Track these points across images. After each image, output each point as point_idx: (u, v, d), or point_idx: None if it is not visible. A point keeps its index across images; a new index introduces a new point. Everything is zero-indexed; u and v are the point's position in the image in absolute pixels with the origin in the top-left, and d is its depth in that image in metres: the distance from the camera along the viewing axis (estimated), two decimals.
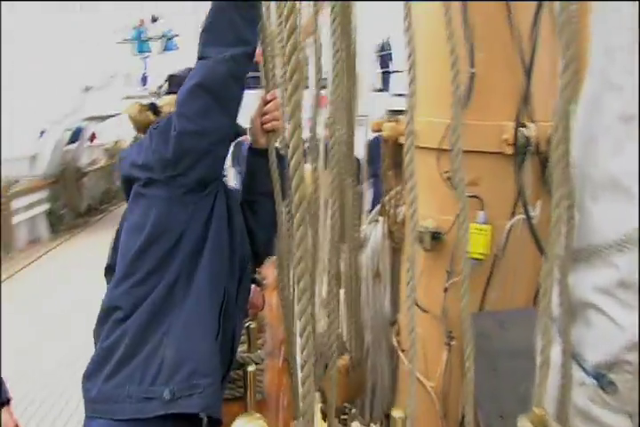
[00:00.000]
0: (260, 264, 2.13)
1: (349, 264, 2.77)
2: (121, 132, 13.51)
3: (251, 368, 2.02)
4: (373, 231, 3.02)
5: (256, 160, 1.89)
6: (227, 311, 1.71)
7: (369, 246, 3.01)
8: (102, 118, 12.66)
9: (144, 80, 15.05)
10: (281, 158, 1.83)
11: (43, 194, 11.58)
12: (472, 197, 2.20)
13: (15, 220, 10.43)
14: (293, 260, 1.05)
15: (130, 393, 1.57)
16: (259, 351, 2.02)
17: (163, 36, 15.20)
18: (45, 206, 11.63)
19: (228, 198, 1.81)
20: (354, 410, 2.96)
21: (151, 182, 1.71)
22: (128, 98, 9.91)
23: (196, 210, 1.68)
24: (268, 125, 1.85)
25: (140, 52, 14.13)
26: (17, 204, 10.55)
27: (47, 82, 10.44)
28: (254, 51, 1.70)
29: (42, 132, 11.48)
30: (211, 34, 1.66)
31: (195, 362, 1.59)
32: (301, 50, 1.11)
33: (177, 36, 15.11)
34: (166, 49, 15.10)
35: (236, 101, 1.68)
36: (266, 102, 1.86)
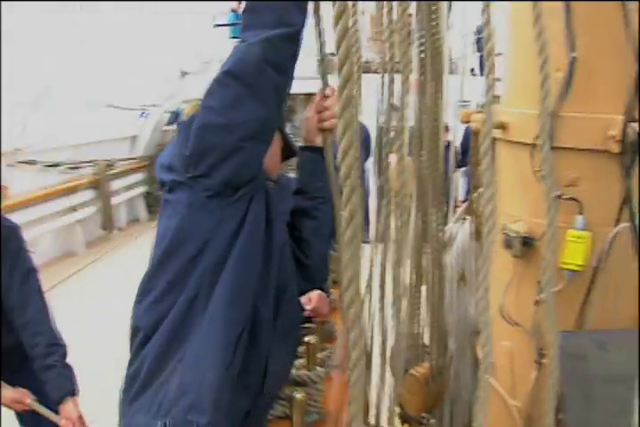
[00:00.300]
0: (312, 284, 1.83)
1: (432, 265, 2.59)
2: None
3: (299, 395, 1.82)
4: (460, 230, 2.79)
5: (310, 160, 1.71)
6: (254, 336, 1.50)
7: (454, 246, 2.79)
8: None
9: None
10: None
11: (140, 176, 11.93)
12: (569, 199, 1.94)
13: (115, 200, 10.78)
14: (342, 263, 0.89)
15: (137, 423, 1.45)
16: (318, 368, 1.82)
17: None
18: (143, 188, 11.98)
19: (269, 205, 1.56)
20: (432, 420, 2.79)
21: (175, 186, 1.50)
22: None
23: (224, 217, 1.46)
24: (326, 124, 1.65)
25: (234, 37, 14.09)
26: (116, 184, 10.90)
27: (148, 66, 10.66)
28: (298, 33, 1.44)
29: (142, 114, 11.81)
30: (250, 15, 1.43)
31: (194, 395, 1.39)
32: (353, 36, 0.92)
33: None
34: None
35: (275, 89, 1.41)
36: (324, 97, 1.66)
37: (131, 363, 1.52)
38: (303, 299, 2.18)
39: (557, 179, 1.86)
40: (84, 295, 7.26)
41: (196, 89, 11.56)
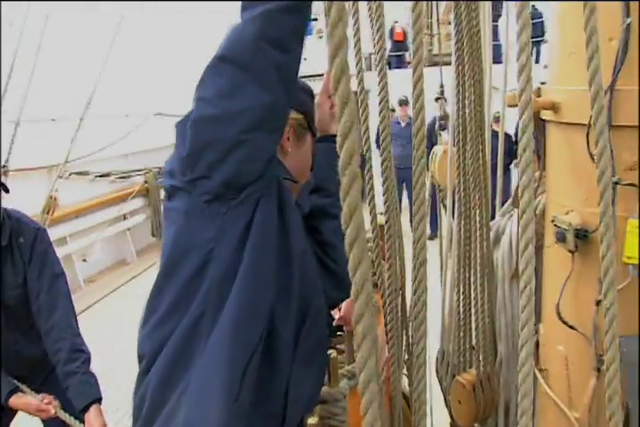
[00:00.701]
0: (344, 293, 1.57)
1: (480, 262, 2.39)
2: None
3: (312, 421, 1.61)
4: (508, 224, 2.58)
5: (325, 152, 1.51)
6: (271, 360, 1.30)
7: (504, 242, 2.58)
8: None
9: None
10: None
11: None
12: (629, 184, 1.73)
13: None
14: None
15: None
16: (341, 384, 1.62)
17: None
18: None
19: (283, 207, 1.34)
20: None
21: (174, 192, 1.31)
22: None
23: (226, 224, 1.24)
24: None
25: None
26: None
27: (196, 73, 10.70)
28: (302, 4, 1.18)
29: None
30: None
31: None
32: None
33: (315, 20, 14.56)
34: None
35: (277, 69, 1.17)
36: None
37: (135, 391, 1.36)
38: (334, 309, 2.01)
39: (615, 162, 1.65)
40: (138, 302, 7.27)
41: None
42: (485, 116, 2.30)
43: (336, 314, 1.95)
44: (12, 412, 2.76)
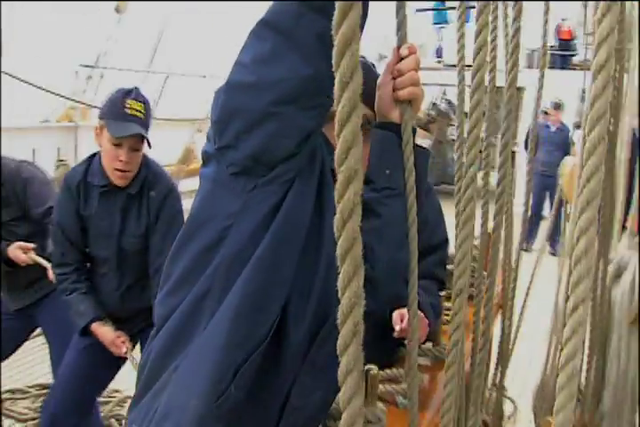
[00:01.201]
0: (379, 304, 1.35)
1: (597, 301, 2.13)
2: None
3: None
4: (633, 257, 2.24)
5: (380, 140, 1.31)
6: (275, 360, 1.17)
7: (625, 280, 2.25)
8: None
9: (438, 52, 14.47)
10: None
11: None
12: None
13: None
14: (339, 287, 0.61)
15: None
16: (380, 405, 1.42)
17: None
18: None
19: (322, 197, 1.19)
20: None
21: (207, 158, 1.22)
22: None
23: (250, 201, 1.14)
24: (403, 92, 1.25)
25: (437, 22, 13.46)
26: None
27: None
28: None
29: None
30: None
31: (174, 424, 1.12)
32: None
33: (473, 7, 14.07)
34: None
35: (318, 38, 1.05)
36: (400, 59, 1.26)
37: (142, 354, 1.29)
38: (395, 317, 1.82)
39: None
40: None
41: None
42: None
43: (396, 325, 1.75)
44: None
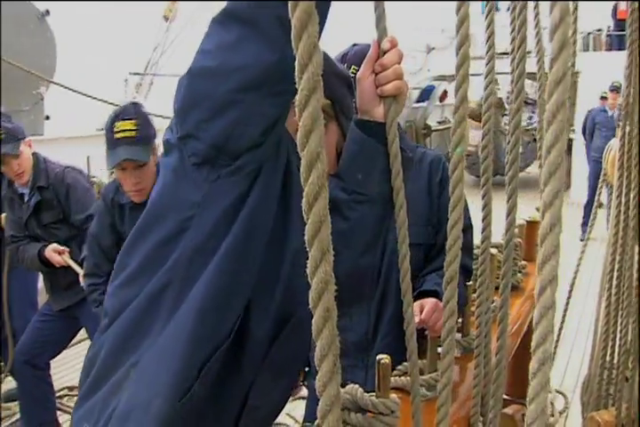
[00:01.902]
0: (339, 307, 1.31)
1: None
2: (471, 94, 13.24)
3: None
4: None
5: (356, 139, 1.25)
6: (236, 359, 1.13)
7: None
8: (453, 78, 12.49)
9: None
10: (401, 138, 1.20)
11: None
12: None
13: None
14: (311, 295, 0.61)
15: None
16: (392, 396, 1.35)
17: None
18: None
19: (290, 190, 1.14)
20: None
21: (168, 147, 1.17)
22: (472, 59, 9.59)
23: (213, 192, 1.09)
24: (388, 87, 1.20)
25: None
26: None
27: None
28: None
29: None
30: None
31: (136, 424, 1.07)
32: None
33: None
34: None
35: (280, 23, 1.00)
36: (381, 53, 1.20)
37: (91, 347, 1.26)
38: (415, 307, 1.77)
39: None
40: None
41: (442, 64, 11.25)
42: None
43: (416, 316, 1.71)
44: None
